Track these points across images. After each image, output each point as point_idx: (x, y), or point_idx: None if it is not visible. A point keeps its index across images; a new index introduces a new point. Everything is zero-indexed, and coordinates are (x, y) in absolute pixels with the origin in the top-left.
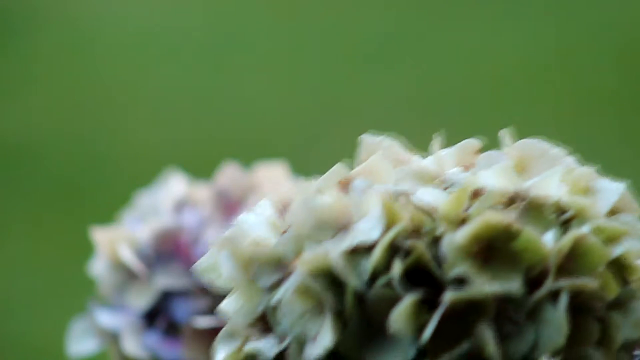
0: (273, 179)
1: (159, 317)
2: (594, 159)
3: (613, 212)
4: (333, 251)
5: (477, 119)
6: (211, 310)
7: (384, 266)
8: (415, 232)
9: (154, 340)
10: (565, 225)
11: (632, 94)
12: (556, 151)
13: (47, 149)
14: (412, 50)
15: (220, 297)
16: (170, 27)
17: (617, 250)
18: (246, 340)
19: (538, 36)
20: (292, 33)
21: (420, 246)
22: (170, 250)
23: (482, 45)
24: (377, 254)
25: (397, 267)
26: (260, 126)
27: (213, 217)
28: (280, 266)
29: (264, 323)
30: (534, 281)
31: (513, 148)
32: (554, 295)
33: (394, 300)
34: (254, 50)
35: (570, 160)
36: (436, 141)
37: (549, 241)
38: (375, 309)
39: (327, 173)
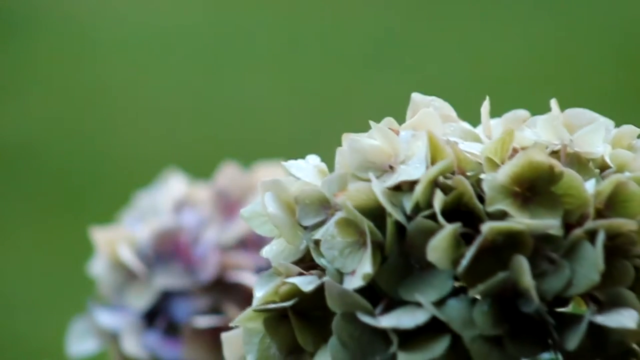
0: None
1: (158, 317)
2: None
3: None
4: (377, 187)
5: (476, 120)
6: (211, 310)
7: (426, 201)
8: (460, 172)
9: (154, 340)
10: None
11: (633, 94)
12: (604, 120)
13: (47, 148)
14: (411, 50)
15: (221, 296)
16: (170, 27)
17: None
18: (286, 277)
19: (538, 37)
20: (292, 33)
21: (463, 182)
22: (170, 250)
23: (482, 46)
24: (419, 189)
25: (439, 199)
26: (260, 126)
27: (213, 217)
28: (324, 206)
29: (305, 265)
30: (572, 227)
31: (561, 116)
32: (592, 236)
33: (434, 232)
34: (253, 50)
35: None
36: (484, 107)
37: (590, 187)
38: (416, 242)
39: (377, 124)
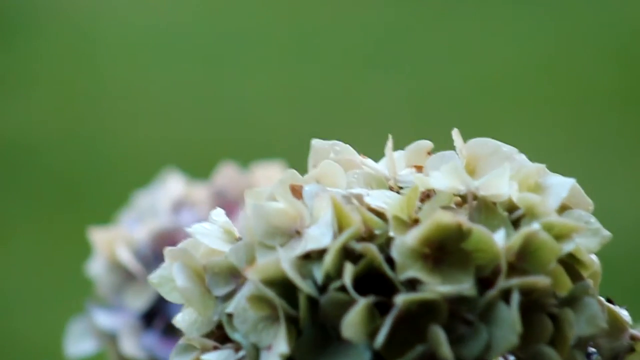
0: (270, 178)
1: (156, 317)
2: (594, 159)
3: (565, 208)
4: (285, 258)
5: (476, 120)
6: None
7: (337, 271)
8: (368, 235)
9: (152, 340)
10: (517, 223)
11: (632, 93)
12: (507, 149)
13: (46, 148)
14: (411, 51)
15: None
16: (170, 27)
17: (568, 246)
18: (201, 352)
19: (537, 37)
20: (291, 33)
21: (371, 250)
22: None
23: (481, 46)
24: (328, 259)
25: (349, 272)
26: (259, 127)
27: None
28: (233, 275)
29: (220, 334)
30: (486, 281)
31: (464, 147)
32: (506, 294)
33: (347, 305)
34: (253, 50)
35: (521, 158)
36: (389, 143)
37: (500, 239)
38: (329, 314)
39: (278, 179)
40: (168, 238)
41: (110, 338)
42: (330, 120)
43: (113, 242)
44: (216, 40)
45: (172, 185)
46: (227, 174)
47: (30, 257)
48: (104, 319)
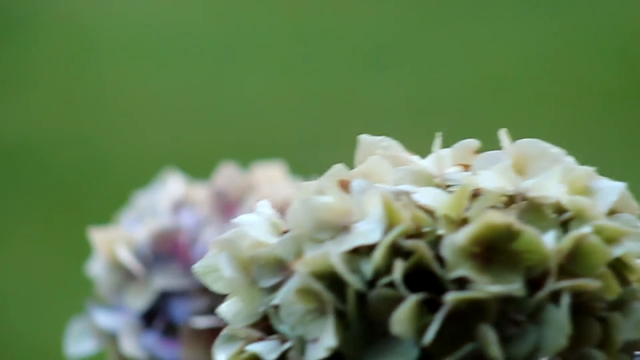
0: (271, 179)
1: (157, 317)
2: (594, 159)
3: (612, 212)
4: (334, 252)
5: (477, 121)
6: (210, 311)
7: (386, 267)
8: (417, 232)
9: (152, 340)
10: (565, 225)
11: (633, 94)
12: (555, 151)
13: (46, 148)
14: (412, 51)
15: (219, 296)
16: (170, 28)
17: (618, 251)
18: (246, 342)
19: (537, 38)
20: (291, 34)
21: (421, 247)
22: (169, 250)
23: (482, 47)
24: (378, 255)
25: (399, 268)
26: (259, 127)
27: (211, 217)
28: (280, 267)
29: (265, 325)
30: (535, 282)
31: (512, 148)
32: (556, 296)
33: (396, 301)
34: (254, 50)
35: (569, 160)
36: (436, 141)
37: (550, 241)
38: (377, 310)
39: (326, 173)
40: (168, 238)
41: (110, 338)
42: (331, 121)
43: (113, 242)
44: (216, 41)
45: (172, 186)
46: (227, 174)
47: (30, 257)
48: (104, 319)
